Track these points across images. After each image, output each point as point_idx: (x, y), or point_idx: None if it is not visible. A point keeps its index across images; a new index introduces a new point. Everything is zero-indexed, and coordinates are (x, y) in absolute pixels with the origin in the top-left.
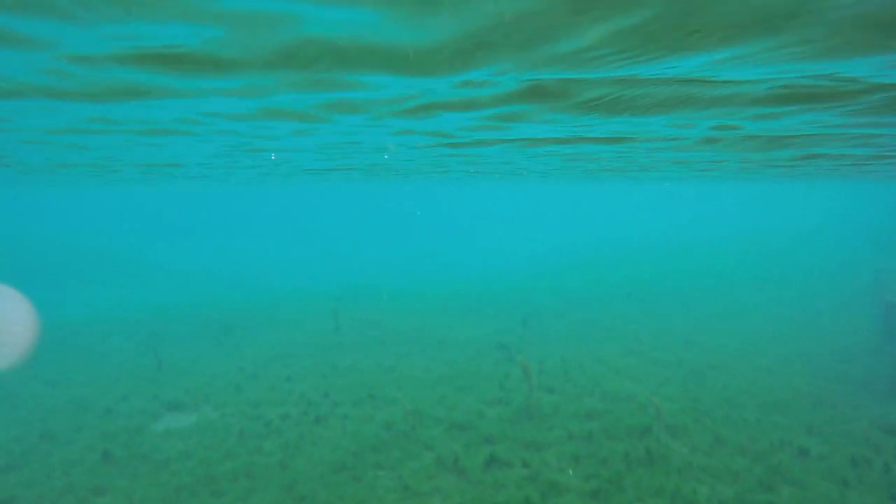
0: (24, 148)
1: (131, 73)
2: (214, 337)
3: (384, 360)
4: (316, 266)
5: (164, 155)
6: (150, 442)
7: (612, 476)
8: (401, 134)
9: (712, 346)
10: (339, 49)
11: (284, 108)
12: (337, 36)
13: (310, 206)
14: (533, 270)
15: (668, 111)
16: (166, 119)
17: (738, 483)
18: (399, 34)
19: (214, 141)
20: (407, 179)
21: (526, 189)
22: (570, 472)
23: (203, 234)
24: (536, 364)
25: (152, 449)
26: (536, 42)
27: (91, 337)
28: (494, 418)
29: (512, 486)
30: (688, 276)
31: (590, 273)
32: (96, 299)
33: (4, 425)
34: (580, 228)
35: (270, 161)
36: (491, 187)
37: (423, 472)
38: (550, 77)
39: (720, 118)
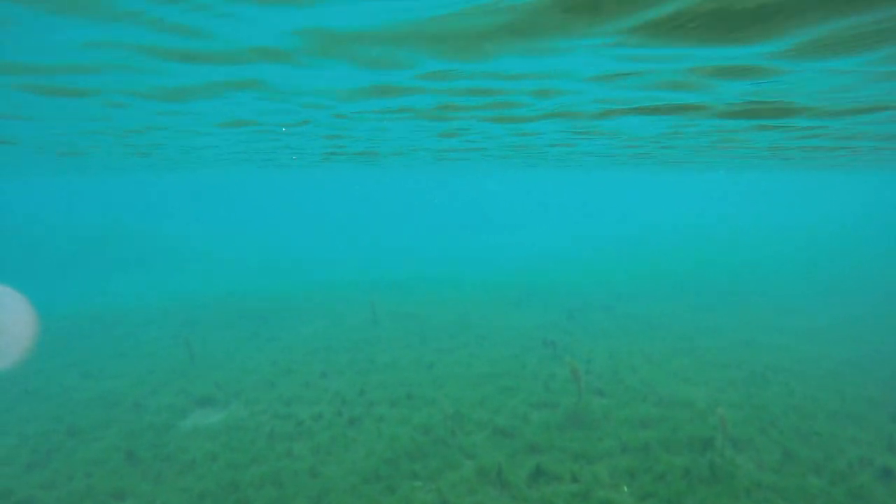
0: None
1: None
2: (250, 328)
3: (423, 356)
4: (356, 254)
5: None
6: (175, 441)
7: (671, 496)
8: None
9: (771, 346)
10: None
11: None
12: None
13: (350, 193)
14: (578, 261)
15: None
16: None
17: None
18: None
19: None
20: (450, 167)
21: (571, 177)
22: (625, 489)
23: (243, 220)
24: (583, 362)
25: (177, 449)
26: None
27: (129, 326)
28: (540, 424)
29: (561, 503)
30: (738, 269)
31: (636, 264)
32: (137, 287)
33: (34, 418)
34: (626, 219)
35: (315, 147)
36: (535, 175)
37: (463, 484)
38: None
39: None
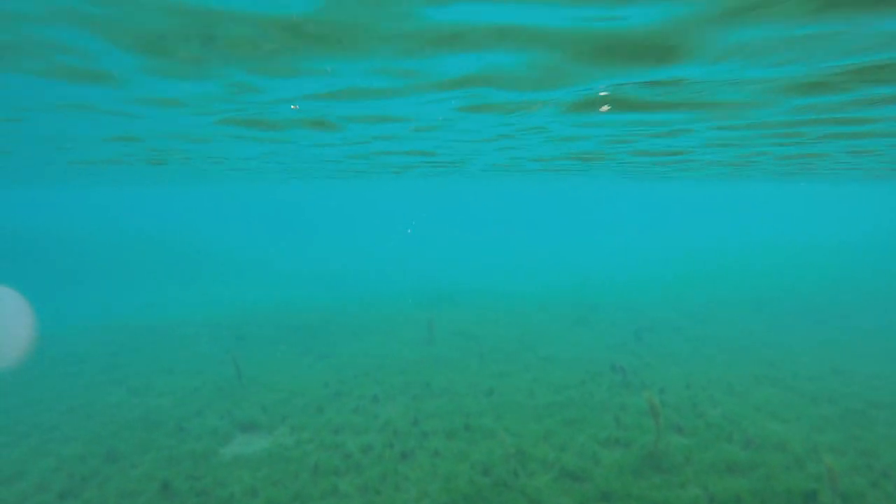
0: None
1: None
2: (301, 343)
3: (482, 381)
4: (407, 264)
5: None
6: (215, 472)
7: None
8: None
9: (866, 375)
10: None
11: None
12: None
13: (410, 204)
14: (644, 276)
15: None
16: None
17: None
18: None
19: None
20: (520, 178)
21: (634, 188)
22: None
23: (298, 231)
24: (656, 391)
25: (216, 483)
26: None
27: (179, 339)
28: (612, 466)
29: None
30: (818, 287)
31: (708, 281)
32: (190, 297)
33: (76, 438)
34: (695, 231)
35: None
36: (597, 186)
37: None
38: None
39: None
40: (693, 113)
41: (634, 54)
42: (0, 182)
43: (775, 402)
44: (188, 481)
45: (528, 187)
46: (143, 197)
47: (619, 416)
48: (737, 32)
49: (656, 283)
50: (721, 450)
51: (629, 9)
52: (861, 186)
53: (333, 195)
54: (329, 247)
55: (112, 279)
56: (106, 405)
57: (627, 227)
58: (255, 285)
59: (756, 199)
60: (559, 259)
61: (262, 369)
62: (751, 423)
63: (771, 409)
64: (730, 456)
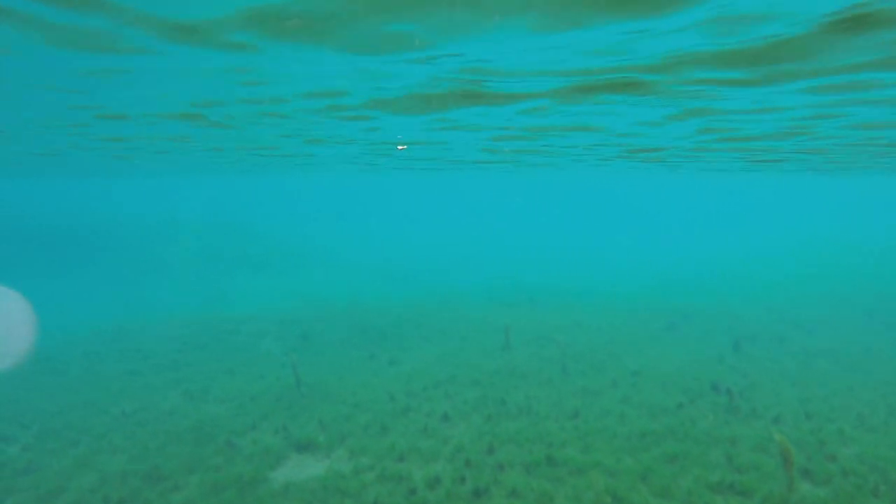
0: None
1: None
2: (368, 346)
3: (565, 399)
4: (484, 260)
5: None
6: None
7: None
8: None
9: None
10: None
11: None
12: None
13: (490, 197)
14: (734, 275)
15: None
16: None
17: None
18: None
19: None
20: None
21: (719, 181)
22: None
23: (371, 224)
24: (768, 420)
25: None
26: None
27: (244, 336)
28: None
29: None
30: None
31: (803, 280)
32: (259, 291)
33: (122, 451)
34: (781, 226)
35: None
36: (682, 179)
37: None
38: None
39: None
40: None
41: None
42: (68, 173)
43: None
44: None
45: (611, 179)
46: (214, 186)
47: (731, 453)
48: None
49: (747, 282)
50: None
51: None
52: None
53: (413, 186)
54: (406, 239)
55: (183, 270)
56: (160, 412)
57: (713, 223)
58: (326, 278)
59: (837, 193)
60: (643, 256)
61: (326, 375)
62: None
63: None
64: None
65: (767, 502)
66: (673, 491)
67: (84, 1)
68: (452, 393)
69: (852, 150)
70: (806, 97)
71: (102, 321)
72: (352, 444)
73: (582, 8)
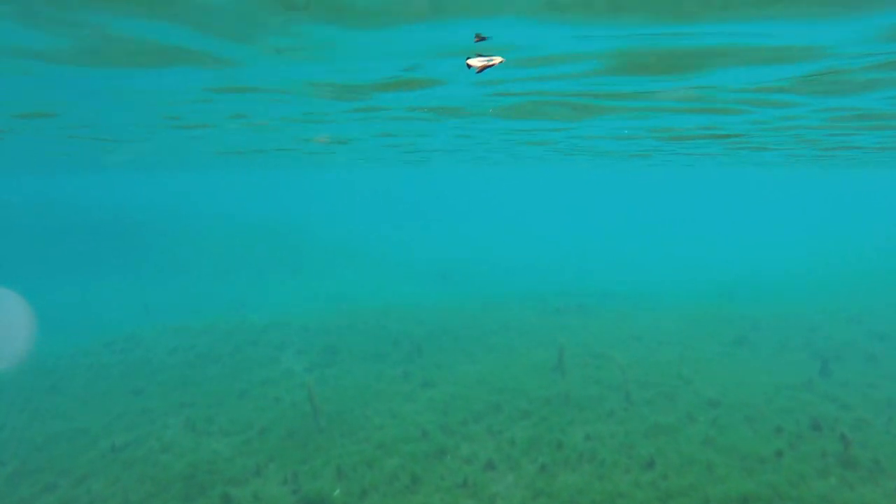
0: None
1: None
2: (401, 361)
3: (634, 440)
4: (536, 261)
5: None
6: None
7: None
8: None
9: None
10: None
11: None
12: None
13: (532, 193)
14: (804, 277)
15: None
16: None
17: None
18: None
19: None
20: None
21: (771, 174)
22: None
23: (407, 218)
24: (893, 476)
25: None
26: None
27: (266, 348)
28: None
29: None
30: None
31: (877, 282)
32: (285, 294)
33: (98, 501)
34: (838, 222)
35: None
36: (734, 171)
37: None
38: None
39: None
40: None
41: None
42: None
43: None
44: None
45: (660, 173)
46: (245, 181)
47: None
48: None
49: (817, 286)
50: None
51: None
52: None
53: (451, 181)
54: (443, 236)
55: (208, 271)
56: (153, 448)
57: (775, 219)
58: (359, 279)
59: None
60: (697, 255)
61: (350, 401)
62: None
63: None
64: None
65: None
66: None
67: None
68: (497, 429)
69: None
70: None
71: (117, 328)
72: (374, 501)
73: None
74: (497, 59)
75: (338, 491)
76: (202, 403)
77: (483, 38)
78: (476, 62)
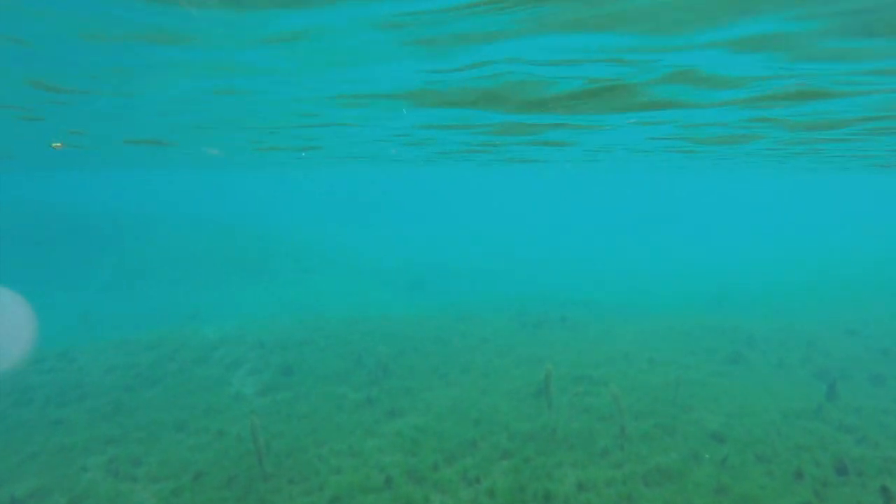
0: None
1: None
2: (364, 385)
3: (632, 488)
4: (513, 267)
5: None
6: None
7: None
8: None
9: None
10: None
11: None
12: None
13: (516, 193)
14: (797, 286)
15: None
16: None
17: None
18: None
19: None
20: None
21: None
22: None
23: (383, 219)
24: None
25: None
26: None
27: (215, 367)
28: None
29: None
30: None
31: (870, 290)
32: (244, 304)
33: None
34: (819, 225)
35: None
36: (723, 174)
37: None
38: None
39: None
40: None
41: None
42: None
43: None
44: None
45: (646, 176)
46: (211, 179)
47: None
48: None
49: (811, 295)
50: None
51: None
52: None
53: (428, 180)
54: (421, 240)
55: (161, 277)
56: (62, 501)
57: (764, 223)
58: (327, 286)
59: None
60: (683, 261)
61: (304, 436)
62: None
63: None
64: None
65: None
66: None
67: None
68: (474, 475)
69: None
70: None
71: (51, 343)
72: None
73: None
74: None
75: None
76: (132, 438)
77: None
78: None
